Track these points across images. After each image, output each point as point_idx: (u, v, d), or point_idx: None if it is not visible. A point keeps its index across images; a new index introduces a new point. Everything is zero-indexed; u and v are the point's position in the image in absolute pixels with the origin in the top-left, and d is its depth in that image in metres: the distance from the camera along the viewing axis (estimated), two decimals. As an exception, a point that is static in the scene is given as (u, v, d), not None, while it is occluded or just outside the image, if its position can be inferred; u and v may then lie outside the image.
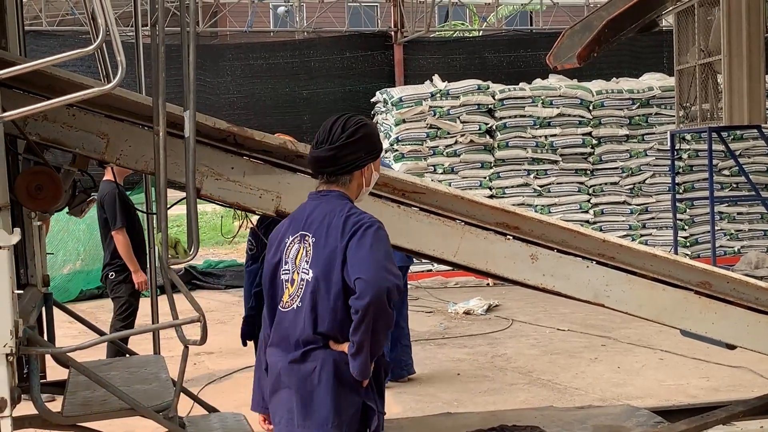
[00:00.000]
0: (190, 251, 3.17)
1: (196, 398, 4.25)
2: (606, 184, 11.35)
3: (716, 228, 11.15)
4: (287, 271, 2.76)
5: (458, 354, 7.32)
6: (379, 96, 11.84)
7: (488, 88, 11.20)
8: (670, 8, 9.15)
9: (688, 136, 11.24)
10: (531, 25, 18.36)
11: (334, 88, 13.05)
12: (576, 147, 11.27)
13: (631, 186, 11.37)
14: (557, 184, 11.20)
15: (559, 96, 11.21)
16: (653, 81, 11.61)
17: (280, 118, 12.67)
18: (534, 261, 3.75)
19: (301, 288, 2.71)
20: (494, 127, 11.17)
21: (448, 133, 11.03)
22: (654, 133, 11.35)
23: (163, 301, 3.73)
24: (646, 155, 11.36)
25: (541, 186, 11.21)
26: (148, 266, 5.78)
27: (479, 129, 11.07)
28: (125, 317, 6.15)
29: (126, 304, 6.18)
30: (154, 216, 5.12)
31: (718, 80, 9.63)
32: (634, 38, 12.23)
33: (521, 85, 11.42)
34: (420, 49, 13.26)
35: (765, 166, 11.44)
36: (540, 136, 11.19)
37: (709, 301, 3.93)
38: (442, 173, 10.82)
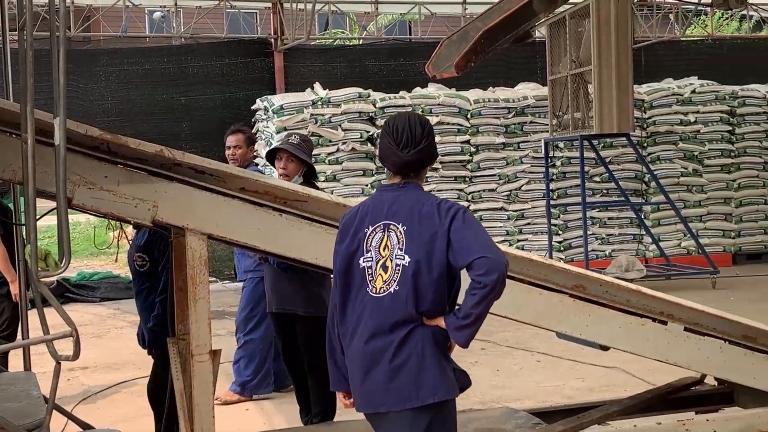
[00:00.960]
0: (61, 263, 3.05)
1: (69, 415, 4.10)
2: (484, 191, 11.57)
3: (588, 232, 11.55)
4: (370, 259, 2.97)
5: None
6: (259, 103, 11.75)
7: (369, 96, 11.27)
8: (543, 20, 9.45)
9: (561, 144, 11.59)
10: (410, 34, 18.59)
11: (213, 94, 12.85)
12: (455, 155, 11.45)
13: (508, 192, 11.63)
14: (437, 191, 11.32)
15: (438, 104, 11.37)
16: (528, 90, 11.92)
17: (156, 125, 12.39)
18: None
19: (397, 273, 2.92)
20: (376, 134, 11.24)
21: (330, 141, 11.04)
22: (529, 141, 11.65)
23: (33, 315, 3.58)
24: (522, 162, 11.64)
25: (420, 193, 11.33)
26: (18, 279, 5.54)
27: (361, 137, 11.12)
28: (4, 332, 5.88)
29: (6, 318, 5.90)
30: (23, 227, 4.91)
31: (589, 90, 9.98)
32: (509, 49, 12.51)
33: (401, 93, 11.54)
34: (300, 56, 13.22)
35: (633, 172, 11.91)
36: (415, 144, 11.29)
37: (584, 304, 4.04)
38: (324, 181, 10.80)
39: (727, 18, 19.37)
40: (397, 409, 2.90)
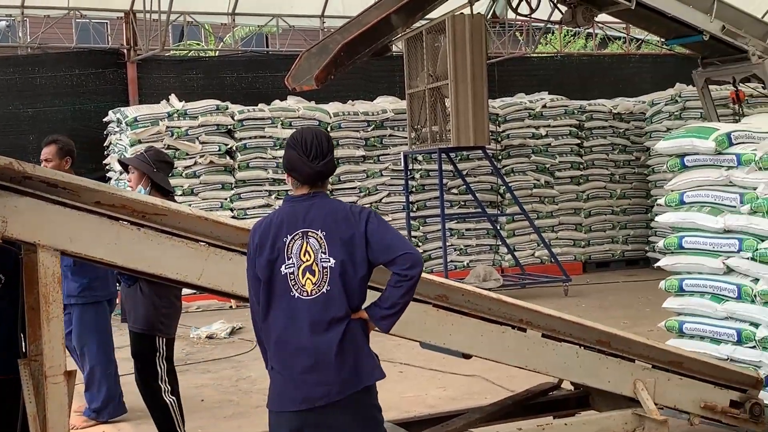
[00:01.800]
0: None
1: None
2: (352, 203, 11.55)
3: (447, 244, 11.75)
4: (291, 266, 3.17)
5: (201, 380, 7.14)
6: (112, 115, 11.40)
7: (227, 108, 11.11)
8: (401, 34, 9.60)
9: (420, 157, 11.77)
10: (267, 46, 18.46)
11: (63, 106, 12.34)
12: (315, 168, 11.41)
13: (369, 205, 11.68)
14: (298, 204, 11.26)
15: (298, 117, 11.33)
16: (387, 104, 12.05)
17: (2, 138, 11.80)
18: (279, 281, 3.73)
19: (326, 274, 3.16)
20: (234, 147, 11.10)
21: (187, 154, 10.81)
22: (389, 154, 11.77)
23: None
24: (382, 175, 11.75)
25: (282, 206, 11.26)
26: None
27: (219, 150, 10.95)
28: None
29: None
30: None
31: (446, 104, 10.17)
32: (368, 62, 12.64)
33: (260, 106, 11.43)
34: (155, 68, 12.88)
35: (489, 184, 12.22)
36: (280, 157, 11.23)
37: (447, 314, 4.11)
38: (181, 195, 10.55)
39: (573, 36, 20.20)
40: (343, 396, 3.14)
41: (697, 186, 5.30)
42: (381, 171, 11.75)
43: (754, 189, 4.98)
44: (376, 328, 3.30)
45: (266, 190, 11.20)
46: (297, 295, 3.16)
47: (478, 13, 10.22)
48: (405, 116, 11.20)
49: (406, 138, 11.32)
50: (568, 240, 12.69)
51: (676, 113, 12.28)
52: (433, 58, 10.29)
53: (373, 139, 11.72)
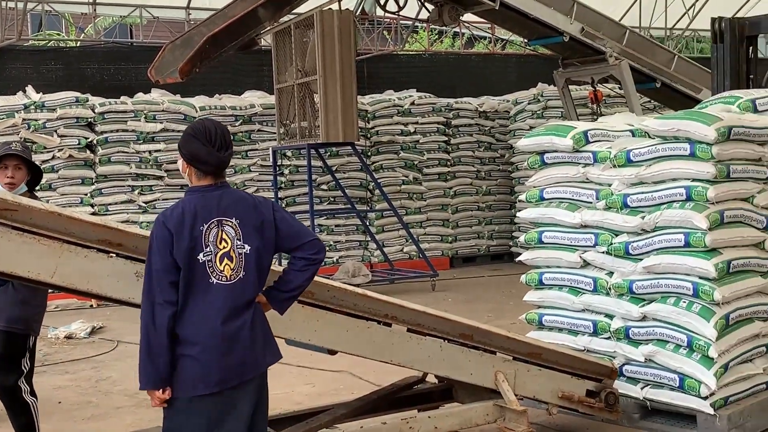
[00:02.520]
0: None
1: None
2: (253, 193, 11.38)
3: (317, 240, 11.72)
4: (209, 253, 3.26)
5: (60, 381, 6.88)
6: (-37, 106, 10.83)
7: (87, 100, 10.74)
8: (268, 28, 9.50)
9: (289, 153, 11.69)
10: (131, 38, 17.95)
11: None
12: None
13: (237, 201, 11.52)
14: (163, 200, 11.01)
15: (163, 111, 11.06)
16: (255, 99, 11.90)
17: None
18: (140, 279, 3.61)
19: (242, 260, 3.30)
20: (95, 141, 10.74)
21: (45, 148, 10.39)
22: (257, 150, 11.64)
23: None
24: (250, 171, 11.61)
25: (146, 202, 10.99)
26: None
27: (79, 143, 10.57)
28: None
29: None
30: None
31: (315, 99, 10.14)
32: (236, 56, 12.46)
33: (123, 98, 11.10)
34: (12, 58, 12.32)
35: (359, 180, 12.26)
36: (144, 152, 10.96)
37: (312, 310, 4.08)
38: (38, 190, 10.07)
39: (439, 35, 20.50)
40: (256, 375, 3.33)
41: (556, 182, 5.46)
42: (249, 166, 11.60)
43: (609, 185, 5.17)
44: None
45: (129, 186, 10.91)
46: (215, 281, 3.26)
47: (347, 9, 10.24)
48: (274, 111, 11.10)
49: (274, 133, 11.22)
50: (436, 235, 12.88)
51: (538, 112, 12.65)
52: (302, 53, 10.23)
53: (240, 134, 11.56)
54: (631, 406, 5.01)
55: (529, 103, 12.90)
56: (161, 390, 3.23)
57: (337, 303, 4.14)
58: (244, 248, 3.31)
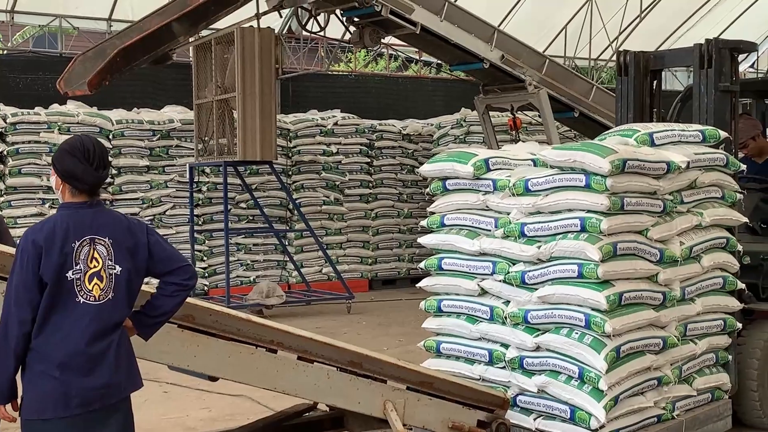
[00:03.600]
0: None
1: None
2: (126, 215, 11.08)
3: (234, 258, 11.57)
4: (78, 271, 3.19)
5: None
6: None
7: (-1, 110, 10.45)
8: (183, 43, 9.37)
9: (207, 169, 11.52)
10: (52, 47, 17.56)
11: None
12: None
13: (152, 217, 11.32)
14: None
15: (78, 123, 10.81)
16: (175, 114, 11.71)
17: None
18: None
19: (112, 281, 3.24)
20: (5, 152, 10.43)
21: (-49, 157, 10.07)
22: (174, 165, 11.44)
23: None
24: (167, 187, 11.41)
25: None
26: None
27: (-13, 153, 10.27)
28: None
29: None
30: None
31: (234, 116, 10.02)
32: (159, 70, 12.29)
33: (36, 109, 10.83)
34: None
35: (279, 199, 12.13)
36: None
37: (192, 334, 3.96)
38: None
39: (375, 57, 20.54)
40: (118, 399, 3.27)
41: (457, 209, 5.43)
42: (166, 182, 11.40)
43: (508, 214, 5.15)
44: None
45: (39, 198, 10.62)
46: (83, 300, 3.20)
47: (268, 27, 10.15)
48: (193, 127, 10.92)
49: (193, 149, 11.04)
50: (356, 257, 12.80)
51: (461, 137, 12.70)
52: (222, 69, 10.11)
53: (158, 149, 11.36)
54: (523, 437, 4.98)
55: (452, 128, 12.95)
56: (3, 405, 3.19)
57: (220, 328, 4.02)
58: (115, 269, 3.26)
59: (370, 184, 12.92)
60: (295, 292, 11.58)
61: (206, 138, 10.55)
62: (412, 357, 5.71)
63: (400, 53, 16.81)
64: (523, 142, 10.71)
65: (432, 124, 13.51)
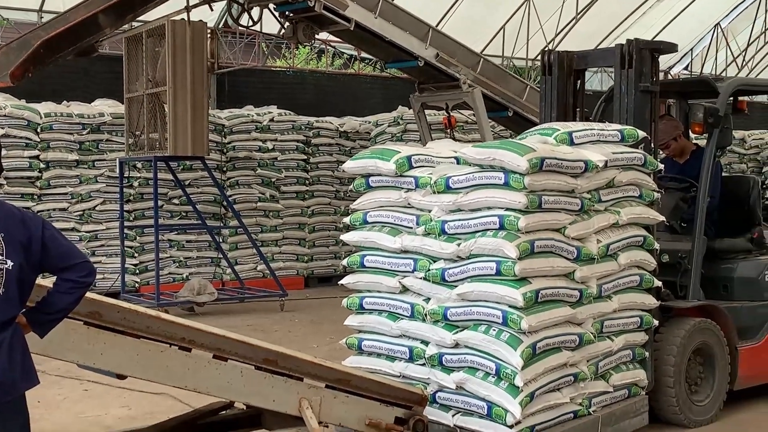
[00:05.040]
0: None
1: None
2: (55, 209, 10.95)
3: (167, 255, 11.42)
4: None
5: None
6: None
7: None
8: (110, 35, 9.20)
9: (139, 164, 11.34)
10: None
11: None
12: (22, 170, 10.74)
13: (81, 212, 11.12)
14: (0, 208, 10.47)
15: (4, 116, 10.57)
16: (105, 107, 11.50)
17: None
18: None
19: (2, 276, 3.09)
20: (-72, 144, 10.14)
21: None
22: (105, 160, 11.24)
23: None
24: (97, 182, 11.21)
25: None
26: None
27: None
28: None
29: None
30: None
31: (165, 110, 9.86)
32: (90, 62, 12.08)
33: (-39, 101, 10.55)
34: None
35: (213, 195, 11.98)
36: (-21, 158, 10.41)
37: (98, 332, 3.87)
38: None
39: (318, 53, 20.44)
40: (13, 397, 3.12)
41: (380, 206, 5.42)
42: (96, 177, 11.19)
43: (429, 211, 5.15)
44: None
45: (-36, 192, 10.35)
46: None
47: (200, 20, 10.01)
48: (124, 121, 10.73)
49: (124, 144, 10.86)
50: (292, 254, 12.71)
51: (397, 135, 12.70)
52: (154, 62, 9.95)
53: (88, 143, 11.15)
54: (442, 434, 4.98)
55: (389, 126, 12.94)
56: None
57: (128, 325, 3.94)
58: (6, 263, 3.12)
59: (307, 182, 12.85)
60: (228, 289, 11.47)
61: (137, 132, 10.37)
62: (343, 354, 5.69)
63: (343, 51, 16.76)
64: (457, 141, 10.78)
65: (369, 122, 13.48)
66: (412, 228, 5.21)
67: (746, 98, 6.73)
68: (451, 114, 10.87)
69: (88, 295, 3.89)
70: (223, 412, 4.76)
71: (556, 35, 16.22)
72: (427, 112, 11.21)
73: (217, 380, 4.21)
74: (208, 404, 4.75)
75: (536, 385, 4.76)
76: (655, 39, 13.48)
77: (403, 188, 5.30)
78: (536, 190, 4.78)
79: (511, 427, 4.70)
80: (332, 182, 13.06)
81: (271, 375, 4.37)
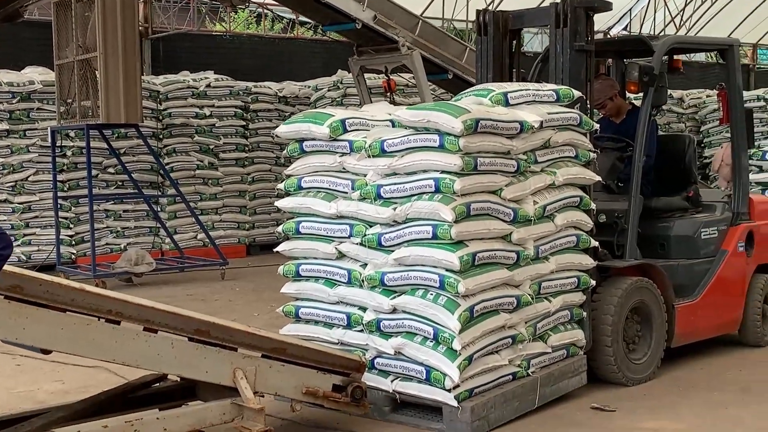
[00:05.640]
0: None
1: None
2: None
3: (104, 226, 11.18)
4: None
5: None
6: None
7: None
8: (34, 0, 8.91)
9: (72, 133, 11.05)
10: None
11: None
12: (-52, 141, 10.41)
13: (14, 183, 10.83)
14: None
15: (-72, 85, 10.20)
16: (36, 75, 11.17)
17: None
18: None
19: None
20: None
21: None
22: (36, 129, 10.94)
23: None
24: (29, 151, 10.92)
25: None
26: None
27: None
28: None
29: None
30: None
31: (97, 77, 9.59)
32: (19, 29, 11.71)
33: None
34: None
35: (150, 164, 11.74)
36: None
37: (20, 306, 3.74)
38: None
39: (257, 17, 20.11)
40: None
41: (314, 171, 5.31)
42: (28, 147, 10.90)
43: (365, 176, 5.06)
44: None
45: None
46: None
47: (131, -17, 9.72)
48: (55, 89, 10.43)
49: (55, 112, 10.55)
50: (233, 222, 12.55)
51: (338, 99, 12.56)
52: (84, 27, 9.67)
53: (18, 112, 10.85)
54: (381, 399, 4.94)
55: (329, 90, 12.79)
56: None
57: (51, 298, 3.81)
58: None
59: (246, 148, 12.66)
60: (168, 259, 11.29)
61: (69, 100, 10.09)
62: (283, 322, 5.60)
63: (282, 15, 16.49)
64: (398, 104, 10.68)
65: (309, 86, 13.30)
66: (347, 193, 5.12)
67: (682, 57, 6.73)
68: (391, 77, 10.77)
69: (9, 268, 3.77)
70: (157, 384, 4.66)
71: (496, -4, 16.16)
72: (366, 75, 11.09)
73: (146, 353, 4.11)
74: (140, 377, 4.63)
75: (474, 348, 4.73)
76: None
77: (337, 152, 5.19)
78: (471, 152, 4.71)
79: (449, 390, 4.67)
80: (272, 148, 12.86)
81: (204, 346, 4.28)
